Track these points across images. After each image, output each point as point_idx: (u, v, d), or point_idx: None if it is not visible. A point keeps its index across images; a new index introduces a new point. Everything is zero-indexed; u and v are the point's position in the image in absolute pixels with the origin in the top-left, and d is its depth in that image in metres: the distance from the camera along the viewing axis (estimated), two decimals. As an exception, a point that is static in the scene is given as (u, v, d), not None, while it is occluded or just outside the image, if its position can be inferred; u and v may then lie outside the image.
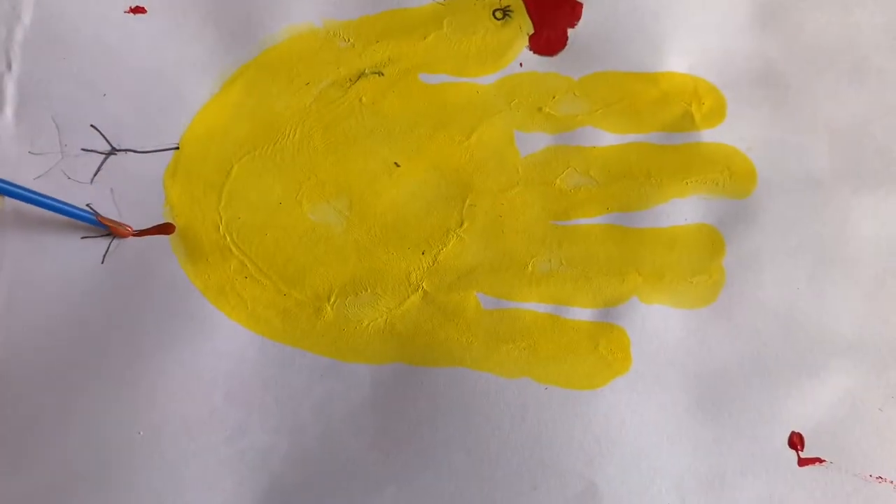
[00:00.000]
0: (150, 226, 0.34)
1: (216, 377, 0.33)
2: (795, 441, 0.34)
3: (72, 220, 0.33)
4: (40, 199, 0.31)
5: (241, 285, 0.33)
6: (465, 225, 0.35)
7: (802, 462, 0.34)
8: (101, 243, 0.33)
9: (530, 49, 0.36)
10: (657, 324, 0.34)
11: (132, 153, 0.34)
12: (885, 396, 0.34)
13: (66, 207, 0.31)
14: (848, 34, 0.37)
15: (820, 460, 0.34)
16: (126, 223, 0.33)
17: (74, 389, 0.32)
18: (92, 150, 0.34)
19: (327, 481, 0.32)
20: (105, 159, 0.34)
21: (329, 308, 0.34)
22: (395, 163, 0.35)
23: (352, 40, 0.36)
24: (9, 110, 0.34)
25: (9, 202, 0.33)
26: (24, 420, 0.32)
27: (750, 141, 0.36)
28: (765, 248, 0.35)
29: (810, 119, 0.36)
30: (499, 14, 0.36)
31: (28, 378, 0.32)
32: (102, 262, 0.33)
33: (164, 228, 0.34)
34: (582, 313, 0.34)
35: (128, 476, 0.32)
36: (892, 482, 0.34)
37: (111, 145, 0.34)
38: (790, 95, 0.36)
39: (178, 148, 0.34)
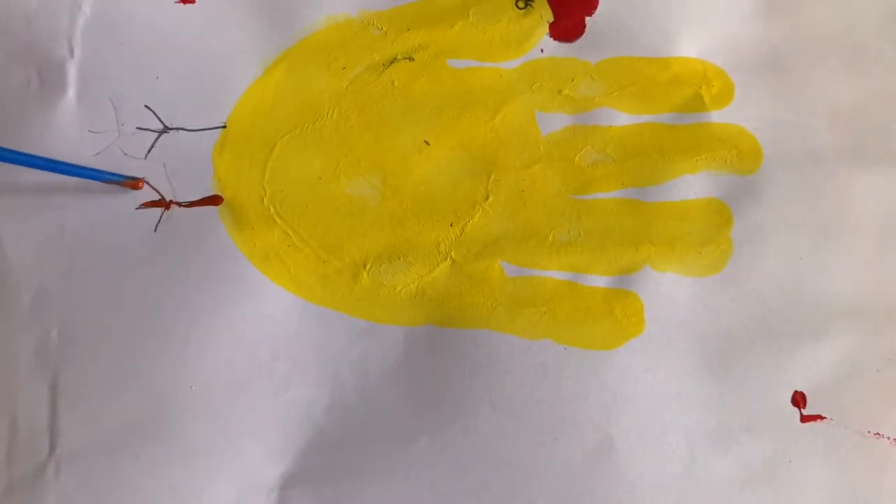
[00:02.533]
0: (199, 198, 0.36)
1: (262, 337, 0.35)
2: (798, 399, 0.36)
3: (127, 192, 0.36)
4: (45, 163, 0.32)
5: (285, 253, 0.36)
6: (491, 199, 0.37)
7: (805, 419, 0.36)
8: (154, 213, 0.36)
9: (550, 36, 0.39)
10: (668, 290, 0.37)
11: (183, 131, 0.37)
12: (882, 358, 0.37)
13: (73, 169, 0.33)
14: (848, 21, 0.39)
15: (821, 417, 0.36)
16: (138, 177, 0.35)
17: (132, 348, 0.35)
18: (146, 129, 0.37)
19: (365, 432, 0.35)
20: (158, 137, 0.37)
21: (365, 274, 0.36)
22: (426, 141, 0.38)
23: (384, 28, 0.38)
24: (71, 92, 0.37)
25: (69, 178, 0.36)
26: (86, 376, 0.35)
27: (756, 121, 0.38)
28: (770, 221, 0.37)
29: (813, 101, 0.38)
30: (521, 3, 0.39)
31: (88, 338, 0.35)
32: (155, 231, 0.36)
33: (213, 200, 0.36)
34: (598, 280, 0.37)
35: (182, 426, 0.35)
36: (888, 438, 0.36)
37: (164, 124, 0.37)
38: (794, 79, 0.39)
39: (225, 126, 0.37)
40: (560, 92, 0.38)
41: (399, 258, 0.37)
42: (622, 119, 0.38)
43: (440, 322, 0.36)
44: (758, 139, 0.38)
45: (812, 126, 0.38)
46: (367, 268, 0.36)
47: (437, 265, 0.37)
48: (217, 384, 0.35)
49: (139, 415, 0.35)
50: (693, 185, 0.37)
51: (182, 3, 0.38)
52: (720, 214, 0.37)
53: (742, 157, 0.38)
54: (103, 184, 0.35)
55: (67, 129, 0.36)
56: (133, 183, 0.35)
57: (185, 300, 0.35)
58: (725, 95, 0.38)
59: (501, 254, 0.37)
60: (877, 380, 0.36)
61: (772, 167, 0.38)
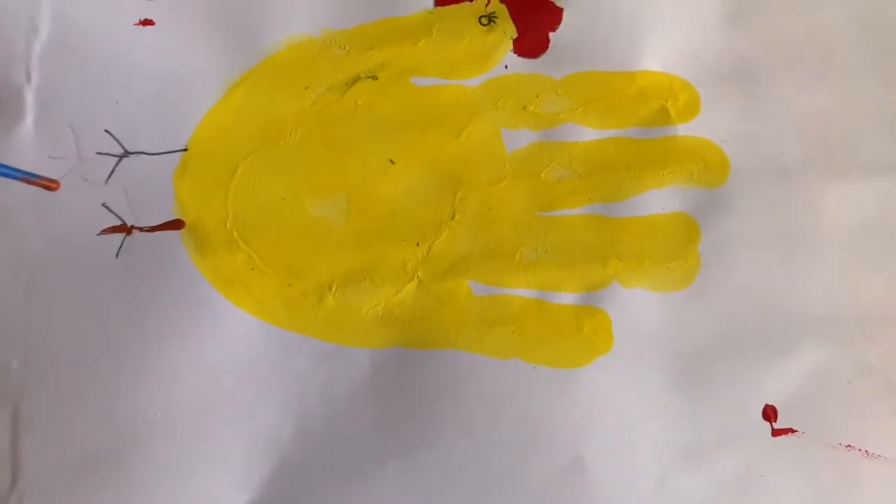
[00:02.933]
0: (161, 222, 0.36)
1: (226, 362, 0.35)
2: (769, 413, 0.36)
3: (88, 217, 0.35)
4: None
5: (248, 276, 0.36)
6: (457, 217, 0.37)
7: (776, 433, 0.36)
8: (116, 239, 0.36)
9: (514, 52, 0.38)
10: (637, 306, 0.36)
11: (144, 155, 0.36)
12: (853, 370, 0.36)
13: None
14: (814, 31, 0.39)
15: (793, 430, 0.36)
16: (54, 178, 0.35)
17: (94, 376, 0.35)
18: (106, 154, 0.36)
19: (332, 458, 0.35)
20: (118, 162, 0.36)
21: (331, 297, 0.36)
22: (391, 160, 0.37)
23: (347, 48, 0.38)
24: (29, 118, 0.36)
25: (28, 203, 0.35)
26: (47, 405, 0.34)
27: (723, 133, 0.38)
28: (738, 234, 0.37)
29: (780, 112, 0.38)
30: (484, 20, 0.39)
31: (50, 366, 0.35)
32: (117, 257, 0.36)
33: (175, 224, 0.36)
34: (566, 298, 0.36)
35: (145, 455, 0.34)
36: (860, 450, 0.36)
37: (124, 148, 0.36)
38: (760, 90, 0.38)
39: (186, 149, 0.37)
40: (525, 108, 0.38)
41: (365, 279, 0.36)
42: (588, 134, 0.38)
43: (407, 343, 0.36)
44: (725, 151, 0.38)
45: (780, 137, 0.38)
46: (333, 290, 0.36)
47: (404, 285, 0.36)
48: (181, 411, 0.35)
49: (103, 443, 0.34)
50: (660, 200, 0.37)
51: (142, 25, 0.37)
52: (688, 229, 0.37)
53: (709, 170, 0.38)
54: (65, 208, 0.35)
55: (26, 156, 0.36)
56: (48, 183, 0.34)
57: (148, 326, 0.35)
58: (691, 108, 0.38)
59: (469, 273, 0.37)
60: (848, 392, 0.36)
61: (739, 179, 0.37)
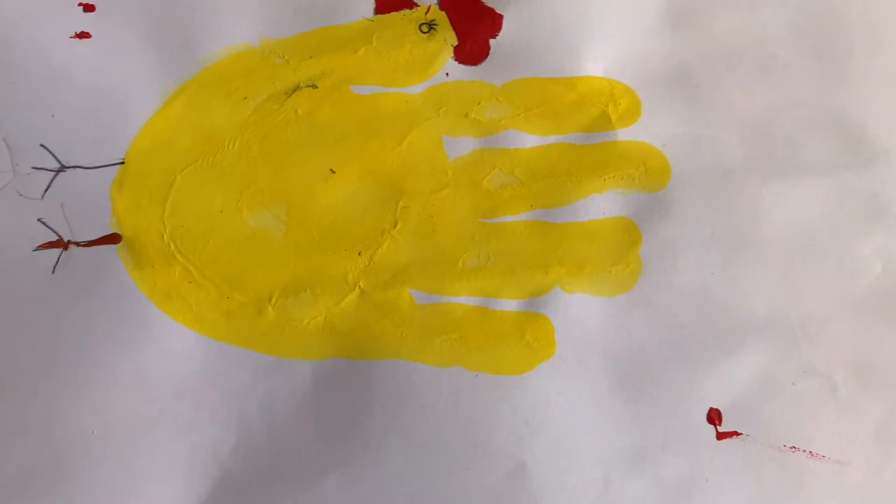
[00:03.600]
0: (98, 237, 0.36)
1: (165, 377, 0.35)
2: (713, 416, 0.36)
3: (24, 233, 0.35)
4: None
5: (186, 290, 0.36)
6: (399, 226, 0.37)
7: (721, 436, 0.36)
8: (52, 254, 0.35)
9: (455, 59, 0.38)
10: (579, 311, 0.36)
11: (80, 169, 0.36)
12: (797, 372, 0.37)
13: None
14: (755, 32, 0.39)
15: (737, 434, 0.36)
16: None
17: (30, 392, 0.34)
18: (42, 168, 0.36)
19: (274, 471, 0.34)
20: (55, 176, 0.36)
21: (270, 309, 0.36)
22: (331, 170, 0.37)
23: (286, 57, 0.38)
24: (-38, 133, 0.36)
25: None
26: (-17, 424, 0.34)
27: (664, 137, 0.38)
28: (679, 238, 0.37)
29: (722, 114, 0.38)
30: (424, 28, 0.39)
31: (-14, 385, 0.34)
32: (53, 272, 0.35)
33: (112, 238, 0.36)
34: (509, 304, 0.36)
35: (82, 473, 0.34)
36: (804, 451, 0.36)
37: (60, 163, 0.36)
38: (702, 93, 0.39)
39: (123, 162, 0.36)
40: (467, 115, 0.38)
41: (305, 290, 0.36)
42: (529, 141, 0.38)
43: (349, 354, 0.36)
44: (665, 155, 0.38)
45: (721, 139, 0.38)
46: (273, 302, 0.36)
47: (346, 296, 0.36)
48: (119, 428, 0.34)
49: (38, 462, 0.34)
50: (601, 205, 0.37)
51: (78, 38, 0.37)
52: (629, 233, 0.37)
53: (650, 174, 0.38)
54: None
55: (-41, 172, 0.35)
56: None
57: (85, 342, 0.35)
58: (632, 113, 0.38)
59: (411, 281, 0.36)
60: (792, 393, 0.36)
61: (680, 183, 0.38)
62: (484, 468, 0.35)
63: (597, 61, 0.39)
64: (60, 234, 0.35)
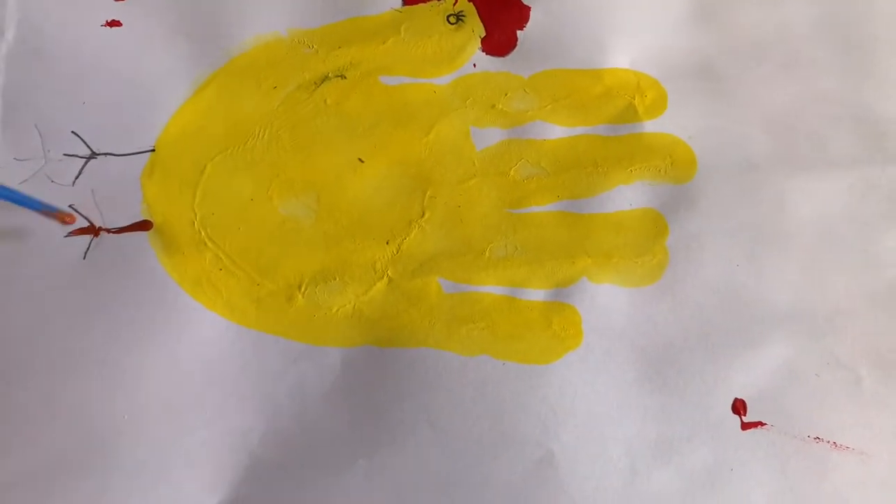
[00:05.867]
0: (129, 223, 0.36)
1: (195, 364, 0.35)
2: (738, 407, 0.36)
3: (51, 219, 0.35)
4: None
5: (217, 277, 0.36)
6: (426, 215, 0.37)
7: (745, 426, 0.36)
8: (83, 241, 0.35)
9: (482, 51, 0.39)
10: (606, 302, 0.36)
11: (111, 156, 0.36)
12: (820, 363, 0.37)
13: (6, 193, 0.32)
14: (780, 27, 0.39)
15: (761, 424, 0.36)
16: (68, 212, 0.35)
17: (62, 378, 0.34)
18: (73, 155, 0.36)
19: (302, 458, 0.35)
20: (86, 163, 0.36)
21: (300, 296, 0.36)
22: (360, 159, 0.37)
23: (315, 47, 0.38)
24: (-5, 120, 0.36)
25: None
26: (13, 409, 0.34)
27: (690, 130, 0.38)
28: (705, 230, 0.37)
29: (746, 108, 0.39)
30: (452, 19, 0.39)
31: (16, 370, 0.34)
32: (84, 258, 0.35)
33: (142, 225, 0.36)
34: (536, 294, 0.37)
35: (113, 458, 0.34)
36: (828, 442, 0.36)
37: (91, 150, 0.36)
38: (727, 86, 0.39)
39: (153, 150, 0.36)
40: (493, 106, 0.38)
41: (334, 278, 0.36)
42: (556, 132, 0.38)
43: (377, 342, 0.36)
44: (692, 148, 0.38)
45: (746, 133, 0.38)
46: (302, 289, 0.36)
47: (374, 284, 0.36)
48: (150, 413, 0.34)
49: (70, 447, 0.34)
50: (628, 196, 0.37)
51: (109, 26, 0.37)
52: (655, 224, 0.37)
53: (676, 166, 0.38)
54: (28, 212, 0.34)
55: (-8, 158, 0.36)
56: (63, 216, 0.34)
57: (116, 328, 0.35)
58: (658, 105, 0.38)
59: (438, 270, 0.37)
60: (816, 384, 0.36)
61: (706, 175, 0.38)
62: (512, 457, 0.35)
63: (623, 54, 0.39)
64: (92, 220, 0.36)
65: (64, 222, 0.35)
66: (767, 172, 0.38)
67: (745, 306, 0.37)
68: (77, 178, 0.36)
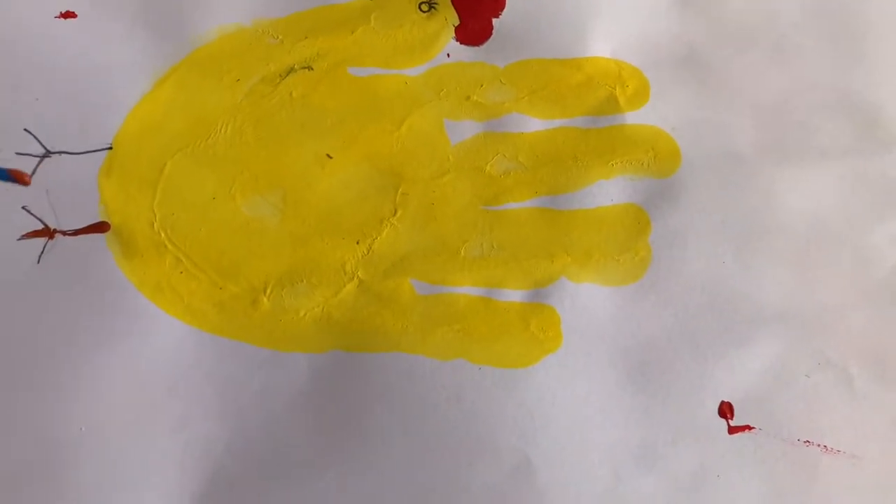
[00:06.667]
0: (85, 225, 0.34)
1: (156, 371, 0.33)
2: (725, 410, 0.35)
3: (7, 221, 0.33)
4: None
5: (177, 280, 0.34)
6: (399, 213, 0.35)
7: (732, 430, 0.35)
8: (37, 243, 0.34)
9: (456, 40, 0.37)
10: (586, 302, 0.35)
11: (66, 154, 0.35)
12: (811, 363, 0.35)
13: None
14: (767, 13, 0.38)
15: (749, 427, 0.35)
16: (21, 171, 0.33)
17: (15, 388, 0.33)
18: (27, 154, 0.34)
19: (270, 468, 0.33)
20: (40, 162, 0.34)
21: (265, 299, 0.34)
22: (328, 155, 0.36)
23: (280, 37, 0.36)
24: (-58, 118, 0.34)
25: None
26: (-33, 421, 0.33)
27: (674, 121, 0.37)
28: (690, 225, 0.36)
29: (733, 97, 0.37)
30: (424, 7, 0.37)
31: (-30, 380, 0.33)
32: (39, 262, 0.34)
33: (100, 227, 0.34)
34: (513, 295, 0.35)
35: (72, 471, 0.33)
36: (819, 445, 0.35)
37: (45, 148, 0.35)
38: (712, 75, 0.37)
39: (111, 148, 0.35)
40: (468, 98, 0.36)
41: (302, 280, 0.35)
42: (534, 124, 0.36)
43: (347, 347, 0.34)
44: (675, 140, 0.37)
45: (732, 123, 0.37)
46: (268, 292, 0.34)
47: (344, 286, 0.35)
48: (109, 424, 0.33)
49: (25, 461, 0.32)
50: (609, 191, 0.36)
51: (63, 18, 0.35)
52: (637, 220, 0.36)
53: (659, 159, 0.36)
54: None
55: (-60, 157, 0.34)
56: (20, 175, 0.33)
57: (73, 335, 0.33)
58: (640, 95, 0.37)
59: (411, 271, 0.35)
60: (806, 386, 0.35)
61: (691, 168, 0.36)
62: (488, 464, 0.33)
63: (604, 42, 0.37)
64: (46, 222, 0.34)
65: (23, 182, 0.33)
66: (754, 164, 0.36)
67: (732, 304, 0.35)
68: (31, 177, 0.34)
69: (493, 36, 0.37)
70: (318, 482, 0.33)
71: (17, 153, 0.34)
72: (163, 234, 0.34)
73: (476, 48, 0.37)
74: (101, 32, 0.36)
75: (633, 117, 0.37)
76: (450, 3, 0.37)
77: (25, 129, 0.34)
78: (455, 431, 0.34)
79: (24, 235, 0.34)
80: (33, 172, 0.34)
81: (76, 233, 0.34)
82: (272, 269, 0.35)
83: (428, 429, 0.34)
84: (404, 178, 0.36)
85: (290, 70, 0.36)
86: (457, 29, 0.37)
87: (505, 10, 0.37)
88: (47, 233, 0.34)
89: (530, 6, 0.37)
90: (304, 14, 0.36)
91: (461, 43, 0.37)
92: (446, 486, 0.33)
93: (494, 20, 0.37)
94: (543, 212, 0.36)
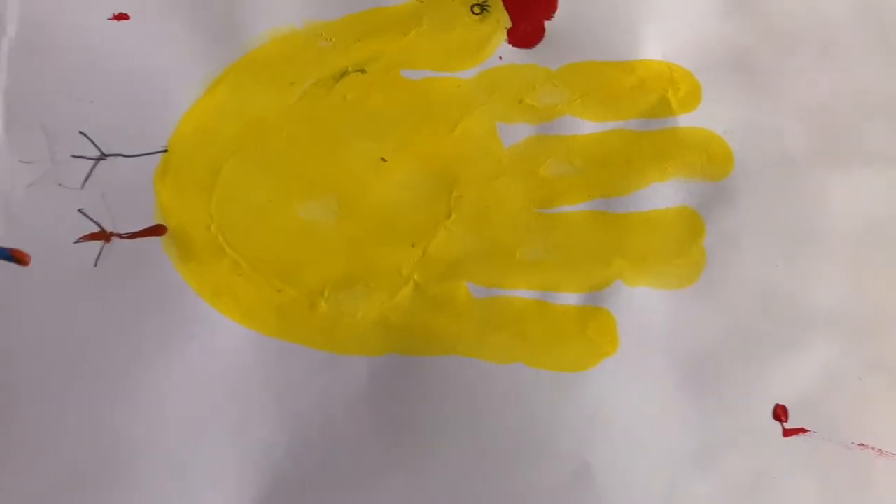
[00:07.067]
0: (141, 228, 0.34)
1: (215, 375, 0.33)
2: (780, 413, 0.35)
3: (63, 224, 0.33)
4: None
5: (235, 283, 0.34)
6: (453, 216, 0.35)
7: (787, 433, 0.35)
8: (94, 247, 0.34)
9: (509, 42, 0.37)
10: (642, 305, 0.35)
11: (122, 157, 0.34)
12: (864, 366, 0.35)
13: None
14: (815, 16, 0.38)
15: (804, 430, 0.35)
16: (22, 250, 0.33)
17: (74, 393, 0.33)
18: (82, 156, 0.34)
19: (329, 471, 0.33)
20: (95, 165, 0.34)
21: (323, 303, 0.34)
22: (382, 158, 0.36)
23: (333, 40, 0.36)
24: (-2, 121, 0.34)
25: None
26: (27, 426, 0.32)
27: (726, 124, 0.37)
28: (743, 228, 0.36)
29: (783, 100, 0.37)
30: (477, 9, 0.37)
31: (28, 384, 0.33)
32: (95, 265, 0.34)
33: (156, 230, 0.34)
34: (569, 298, 0.35)
35: (131, 476, 0.32)
36: (873, 448, 0.35)
37: (100, 151, 0.34)
38: (763, 78, 0.37)
39: (166, 150, 0.35)
40: (521, 101, 0.36)
41: (358, 284, 0.35)
42: (587, 127, 0.36)
43: (405, 350, 0.34)
44: (728, 143, 0.36)
45: (784, 127, 0.37)
46: (325, 295, 0.34)
47: (400, 289, 0.35)
48: (168, 429, 0.33)
49: (83, 466, 0.32)
50: (663, 194, 0.36)
51: (116, 20, 0.35)
52: (692, 223, 0.36)
53: (712, 162, 0.36)
54: (38, 215, 0.33)
55: (-5, 161, 0.34)
56: (20, 254, 0.33)
57: (131, 340, 0.33)
58: (693, 98, 0.37)
59: (467, 274, 0.35)
60: (859, 389, 0.35)
61: (743, 171, 0.36)
62: (547, 469, 0.33)
63: (655, 44, 0.37)
64: (102, 225, 0.34)
65: (23, 263, 0.33)
66: (806, 168, 0.36)
67: (786, 308, 0.35)
68: (86, 180, 0.34)
69: (544, 38, 0.37)
70: (377, 485, 0.33)
71: (73, 156, 0.34)
72: (220, 238, 0.34)
73: (528, 50, 0.37)
74: (153, 34, 0.35)
75: (685, 120, 0.37)
76: (502, 6, 0.37)
77: (81, 132, 0.34)
78: (514, 435, 0.34)
79: (80, 238, 0.34)
80: (88, 175, 0.34)
81: (133, 236, 0.34)
82: (329, 273, 0.34)
83: (486, 433, 0.34)
84: (458, 181, 0.36)
85: (344, 73, 0.36)
86: (509, 31, 0.37)
87: (557, 12, 0.37)
88: (104, 236, 0.34)
89: (583, 8, 0.37)
90: (357, 16, 0.36)
91: (513, 45, 0.37)
92: (505, 490, 0.33)
93: (546, 22, 0.37)
94: (598, 215, 0.36)
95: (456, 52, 0.37)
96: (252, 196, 0.35)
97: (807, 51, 0.37)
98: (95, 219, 0.34)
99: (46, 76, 0.35)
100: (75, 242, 0.34)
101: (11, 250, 0.32)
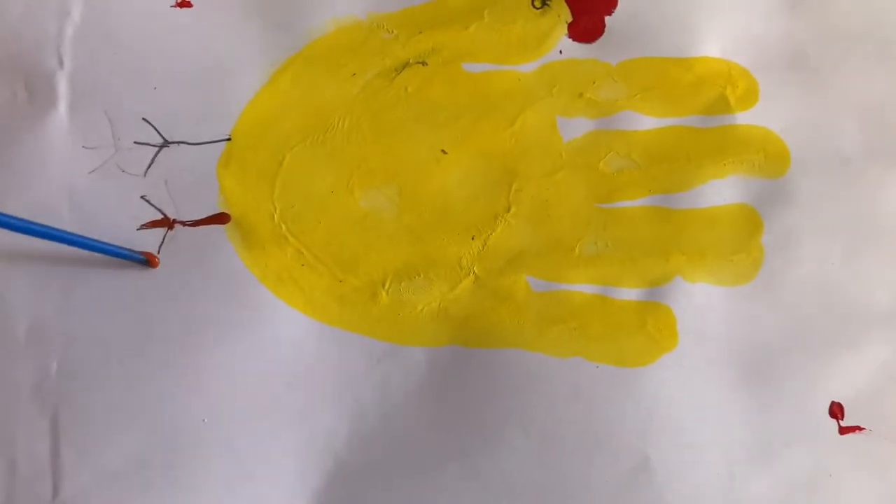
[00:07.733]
0: (205, 216, 0.34)
1: (277, 363, 0.33)
2: (836, 410, 0.35)
3: (127, 211, 0.33)
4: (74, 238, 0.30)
5: (298, 273, 0.34)
6: (513, 210, 0.35)
7: (843, 430, 0.35)
8: (157, 234, 0.34)
9: (569, 37, 0.37)
10: (701, 301, 0.35)
11: (185, 145, 0.34)
12: (920, 365, 0.35)
13: (80, 240, 0.30)
14: (872, 15, 0.38)
15: (860, 428, 0.35)
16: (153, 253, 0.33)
17: (138, 379, 0.33)
18: (145, 143, 0.34)
19: (389, 461, 0.33)
20: (158, 152, 0.34)
21: (384, 293, 0.34)
22: (443, 150, 0.36)
23: (395, 31, 0.36)
24: (62, 106, 0.34)
25: (64, 197, 0.33)
26: (89, 412, 0.32)
27: (783, 122, 0.37)
28: (801, 226, 0.36)
29: (840, 99, 0.37)
30: (538, 3, 0.37)
31: (91, 371, 0.33)
32: (158, 252, 0.34)
33: (220, 218, 0.34)
34: (629, 293, 0.35)
35: (194, 462, 0.32)
36: (929, 448, 0.35)
37: (163, 137, 0.34)
38: (819, 77, 0.37)
39: (229, 139, 0.35)
40: (581, 95, 0.36)
41: (419, 275, 0.35)
42: (646, 123, 0.36)
43: (464, 342, 0.34)
44: (785, 141, 0.37)
45: (840, 125, 0.37)
46: (386, 286, 0.34)
47: (460, 281, 0.35)
48: (230, 416, 0.33)
49: (148, 451, 0.32)
50: (721, 191, 0.36)
51: (179, 7, 0.35)
52: (750, 220, 0.36)
53: (770, 159, 0.36)
54: (102, 201, 0.33)
55: (59, 146, 0.34)
56: (151, 257, 0.33)
57: (193, 327, 0.33)
58: (751, 96, 0.37)
59: (526, 268, 0.35)
60: (915, 388, 0.35)
61: (801, 169, 0.36)
62: (607, 462, 0.33)
63: (714, 42, 0.37)
64: (165, 212, 0.34)
65: (152, 264, 0.33)
66: (863, 166, 0.37)
67: (843, 306, 0.35)
68: (149, 167, 0.34)
69: (605, 33, 0.37)
70: (436, 476, 0.33)
71: (136, 142, 0.34)
72: (283, 227, 0.34)
73: (588, 45, 0.37)
74: (217, 23, 0.36)
75: (743, 118, 0.37)
76: (563, 0, 0.37)
77: (144, 119, 0.34)
78: (574, 429, 0.34)
79: (143, 225, 0.34)
80: (151, 162, 0.34)
81: (196, 223, 0.34)
82: (390, 263, 0.35)
83: (547, 426, 0.34)
84: (518, 175, 0.36)
85: (406, 65, 0.36)
86: (569, 26, 0.37)
87: (617, 8, 0.37)
88: (167, 223, 0.34)
89: (643, 5, 0.37)
90: (418, 9, 0.36)
91: (574, 40, 0.37)
92: (566, 483, 0.33)
93: (607, 18, 0.37)
94: (657, 210, 0.36)
95: (517, 45, 0.37)
96: (314, 186, 0.35)
97: (864, 50, 0.38)
98: (158, 206, 0.34)
99: (110, 62, 0.35)
100: (138, 229, 0.34)
101: (144, 253, 0.32)
